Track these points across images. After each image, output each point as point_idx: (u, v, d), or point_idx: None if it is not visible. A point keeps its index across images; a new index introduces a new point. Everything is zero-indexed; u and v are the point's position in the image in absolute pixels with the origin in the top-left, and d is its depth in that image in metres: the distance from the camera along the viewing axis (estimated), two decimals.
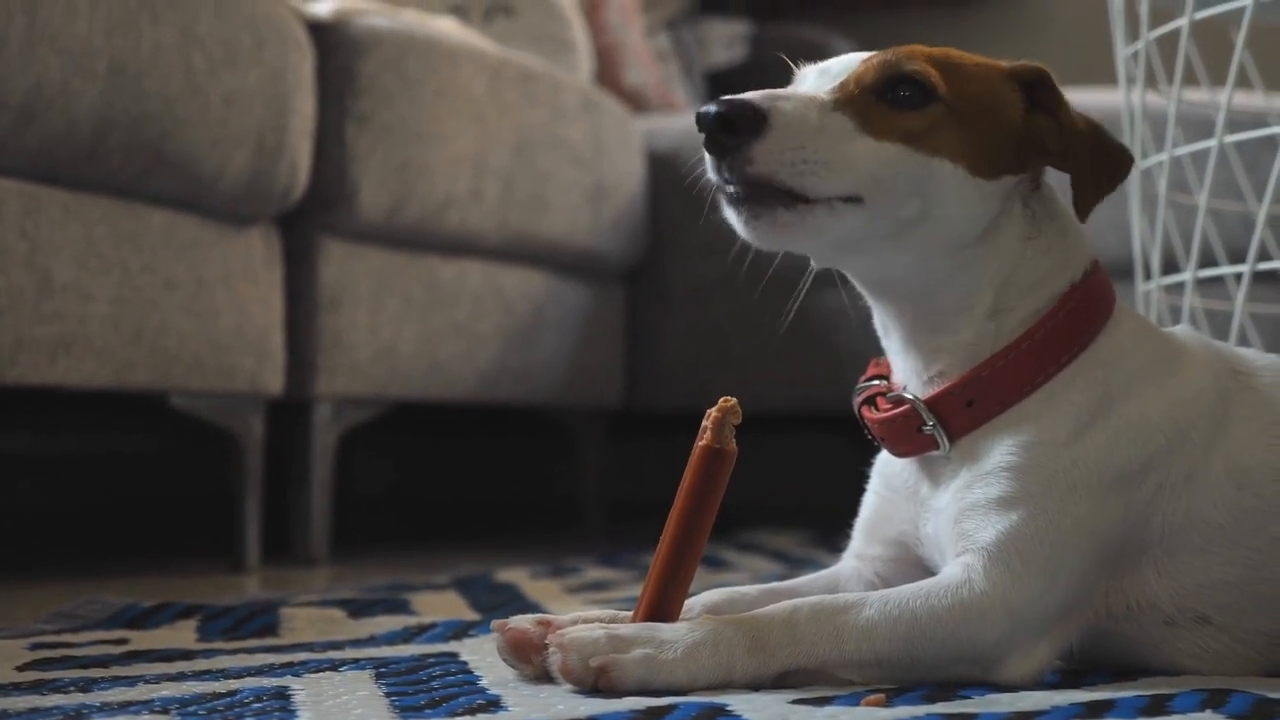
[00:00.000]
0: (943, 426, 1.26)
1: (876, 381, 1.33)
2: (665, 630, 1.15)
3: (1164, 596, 1.24)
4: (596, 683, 1.12)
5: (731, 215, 1.23)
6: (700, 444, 1.22)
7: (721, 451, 1.22)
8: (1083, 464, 1.22)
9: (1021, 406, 1.25)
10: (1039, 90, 1.27)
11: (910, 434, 1.28)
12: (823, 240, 1.23)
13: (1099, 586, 1.23)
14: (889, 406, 1.29)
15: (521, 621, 1.22)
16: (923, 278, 1.27)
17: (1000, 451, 1.24)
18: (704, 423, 1.23)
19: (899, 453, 1.30)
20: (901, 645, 1.17)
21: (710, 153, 1.20)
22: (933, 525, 1.28)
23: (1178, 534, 1.24)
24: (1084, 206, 1.27)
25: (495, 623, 1.23)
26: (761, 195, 1.20)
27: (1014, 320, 1.27)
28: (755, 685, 1.15)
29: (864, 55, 1.28)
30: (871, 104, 1.23)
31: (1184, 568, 1.24)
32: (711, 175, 1.22)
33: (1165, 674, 1.25)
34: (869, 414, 1.31)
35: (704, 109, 1.19)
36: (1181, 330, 1.36)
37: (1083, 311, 1.27)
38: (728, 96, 1.19)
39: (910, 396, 1.28)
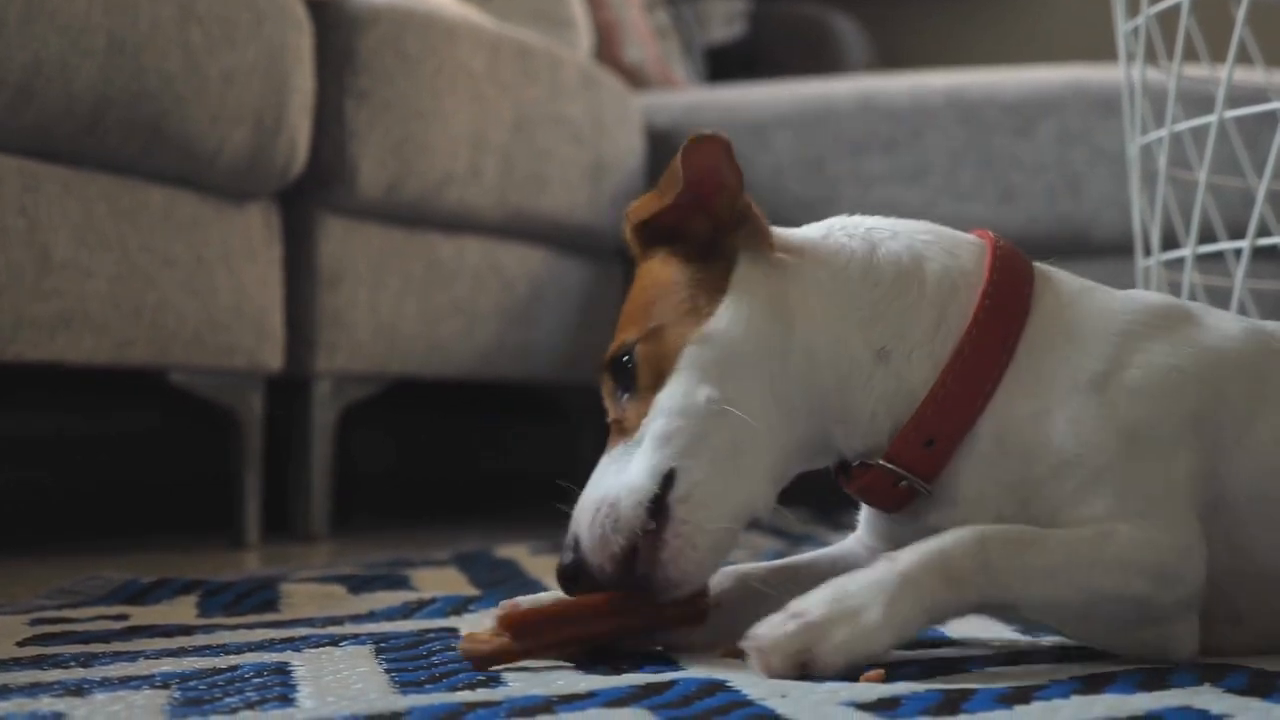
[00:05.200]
0: (915, 474, 1.19)
1: None
2: (851, 596, 1.09)
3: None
4: (804, 671, 1.08)
5: None
6: None
7: None
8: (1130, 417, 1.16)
9: (992, 408, 1.18)
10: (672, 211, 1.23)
11: (891, 491, 1.21)
12: (726, 509, 1.17)
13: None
14: (860, 473, 1.22)
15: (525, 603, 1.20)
16: (792, 401, 1.19)
17: (1027, 458, 1.17)
18: None
19: (893, 511, 1.23)
20: (1082, 594, 1.13)
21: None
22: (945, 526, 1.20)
23: (1242, 495, 1.19)
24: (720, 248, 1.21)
25: (504, 603, 1.21)
26: (647, 577, 1.16)
27: (941, 343, 1.19)
28: (942, 621, 1.15)
29: None
30: (623, 410, 1.21)
31: (1249, 540, 1.19)
32: None
33: None
34: (845, 485, 1.25)
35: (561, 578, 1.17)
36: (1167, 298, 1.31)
37: (1000, 306, 1.20)
38: (564, 557, 1.17)
39: (874, 462, 1.20)
